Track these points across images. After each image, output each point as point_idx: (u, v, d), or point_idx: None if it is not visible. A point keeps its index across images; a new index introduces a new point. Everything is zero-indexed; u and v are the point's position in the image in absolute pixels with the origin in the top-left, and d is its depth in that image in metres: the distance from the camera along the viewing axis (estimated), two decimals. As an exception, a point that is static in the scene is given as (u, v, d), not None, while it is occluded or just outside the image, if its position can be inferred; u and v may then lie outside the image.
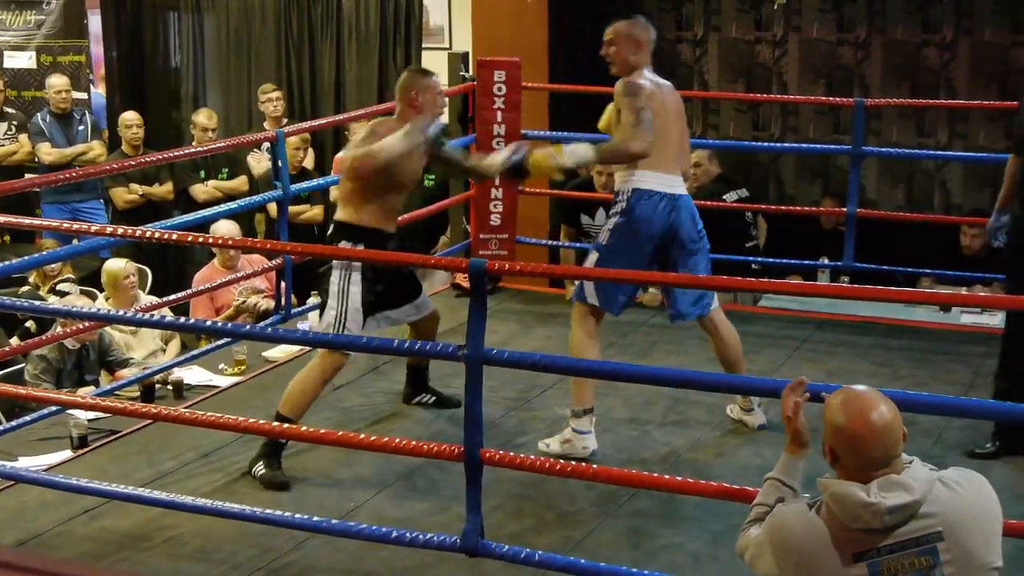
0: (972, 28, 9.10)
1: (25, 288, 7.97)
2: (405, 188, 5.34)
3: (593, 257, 5.28)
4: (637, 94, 5.07)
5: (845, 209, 6.93)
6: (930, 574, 2.57)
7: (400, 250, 5.35)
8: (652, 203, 5.15)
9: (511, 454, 4.32)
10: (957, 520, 2.60)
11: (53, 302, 7.25)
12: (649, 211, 5.15)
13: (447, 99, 5.42)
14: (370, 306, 5.26)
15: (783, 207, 8.65)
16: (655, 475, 4.62)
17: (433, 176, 8.20)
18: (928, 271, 7.30)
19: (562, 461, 4.18)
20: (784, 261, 7.25)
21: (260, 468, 5.04)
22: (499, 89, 7.14)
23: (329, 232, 5.39)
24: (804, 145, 9.29)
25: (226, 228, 7.53)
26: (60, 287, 7.94)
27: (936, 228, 8.06)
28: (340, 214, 5.32)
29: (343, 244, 5.25)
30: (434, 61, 9.23)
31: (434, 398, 5.82)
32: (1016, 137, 5.36)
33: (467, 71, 7.42)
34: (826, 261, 7.67)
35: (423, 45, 9.80)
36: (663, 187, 5.18)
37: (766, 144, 9.50)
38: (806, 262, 7.49)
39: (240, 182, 9.23)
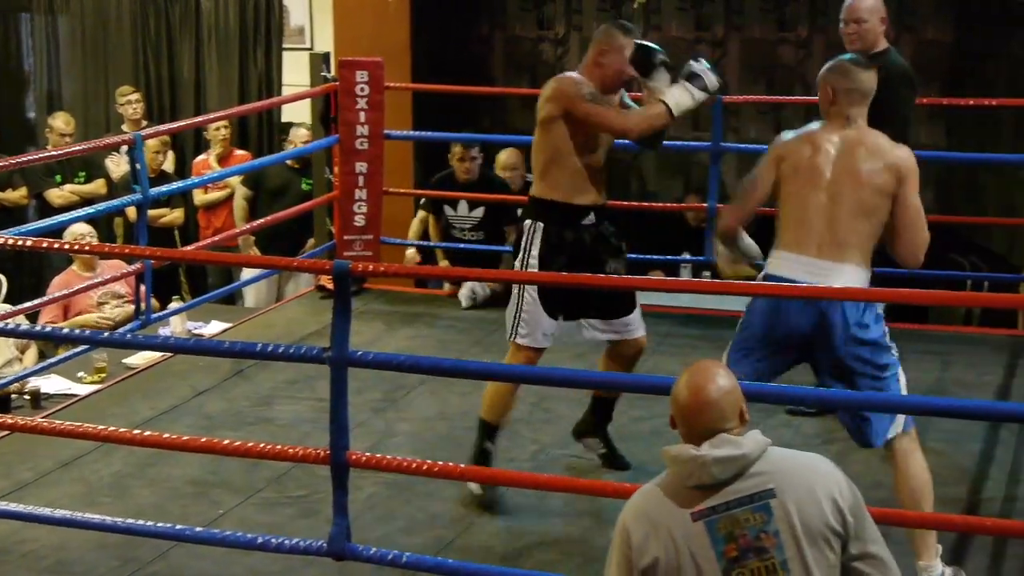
0: (826, 26, 9.30)
1: None
2: (602, 147, 4.82)
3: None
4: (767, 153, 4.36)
5: (706, 205, 7.02)
6: (765, 529, 2.63)
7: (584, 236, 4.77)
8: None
9: (378, 455, 4.30)
10: (789, 480, 2.67)
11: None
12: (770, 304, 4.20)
13: (630, 69, 4.79)
14: (550, 300, 4.74)
15: (645, 204, 8.74)
16: (524, 472, 4.64)
17: (312, 180, 8.13)
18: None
19: (429, 461, 4.17)
20: (646, 257, 7.32)
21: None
22: (362, 89, 7.09)
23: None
24: (664, 142, 9.37)
25: (81, 228, 7.37)
26: None
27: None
28: (532, 189, 4.90)
29: (527, 223, 4.80)
30: (295, 61, 9.19)
31: (604, 450, 5.12)
32: None
33: (329, 71, 7.37)
34: (688, 256, 7.76)
35: (284, 45, 9.72)
36: (801, 274, 4.13)
37: (627, 142, 9.57)
38: (668, 257, 7.57)
39: (98, 185, 9.04)
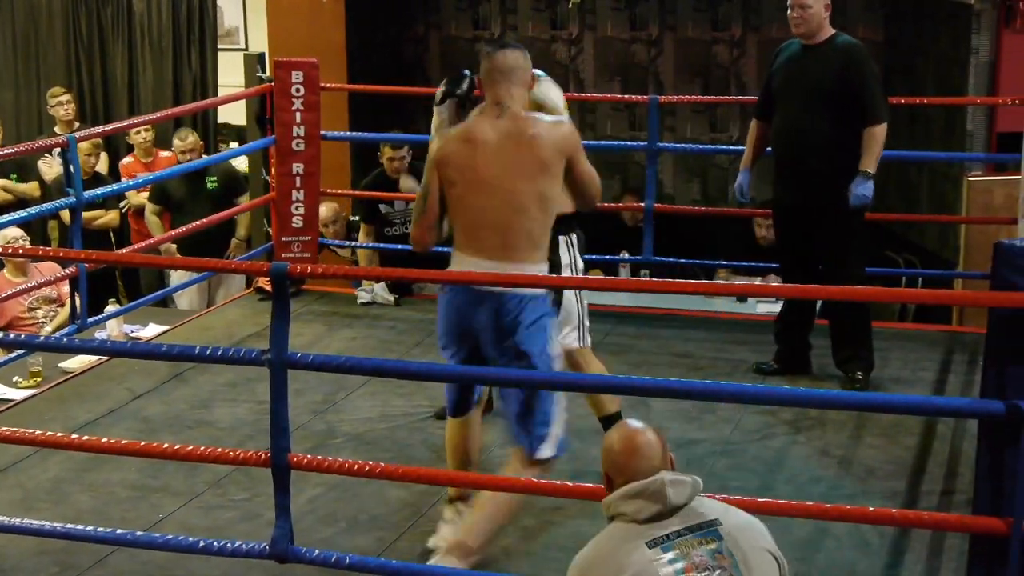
0: (759, 25, 9.39)
1: None
2: None
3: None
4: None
5: (643, 204, 7.05)
6: (719, 550, 2.71)
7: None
8: (450, 294, 4.26)
9: (319, 457, 4.28)
10: (727, 516, 2.80)
11: None
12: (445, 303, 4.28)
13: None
14: None
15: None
16: (465, 472, 4.62)
17: (215, 178, 8.10)
18: (724, 263, 7.48)
19: (371, 463, 4.16)
20: (586, 256, 7.32)
21: None
22: (297, 90, 7.06)
23: None
24: (602, 142, 9.41)
25: (13, 232, 7.28)
26: None
27: (731, 220, 8.28)
28: None
29: None
30: (230, 62, 9.13)
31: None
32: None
33: (264, 72, 7.33)
34: (627, 255, 7.80)
35: (218, 46, 9.66)
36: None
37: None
38: (607, 257, 7.60)
39: (31, 187, 8.94)
